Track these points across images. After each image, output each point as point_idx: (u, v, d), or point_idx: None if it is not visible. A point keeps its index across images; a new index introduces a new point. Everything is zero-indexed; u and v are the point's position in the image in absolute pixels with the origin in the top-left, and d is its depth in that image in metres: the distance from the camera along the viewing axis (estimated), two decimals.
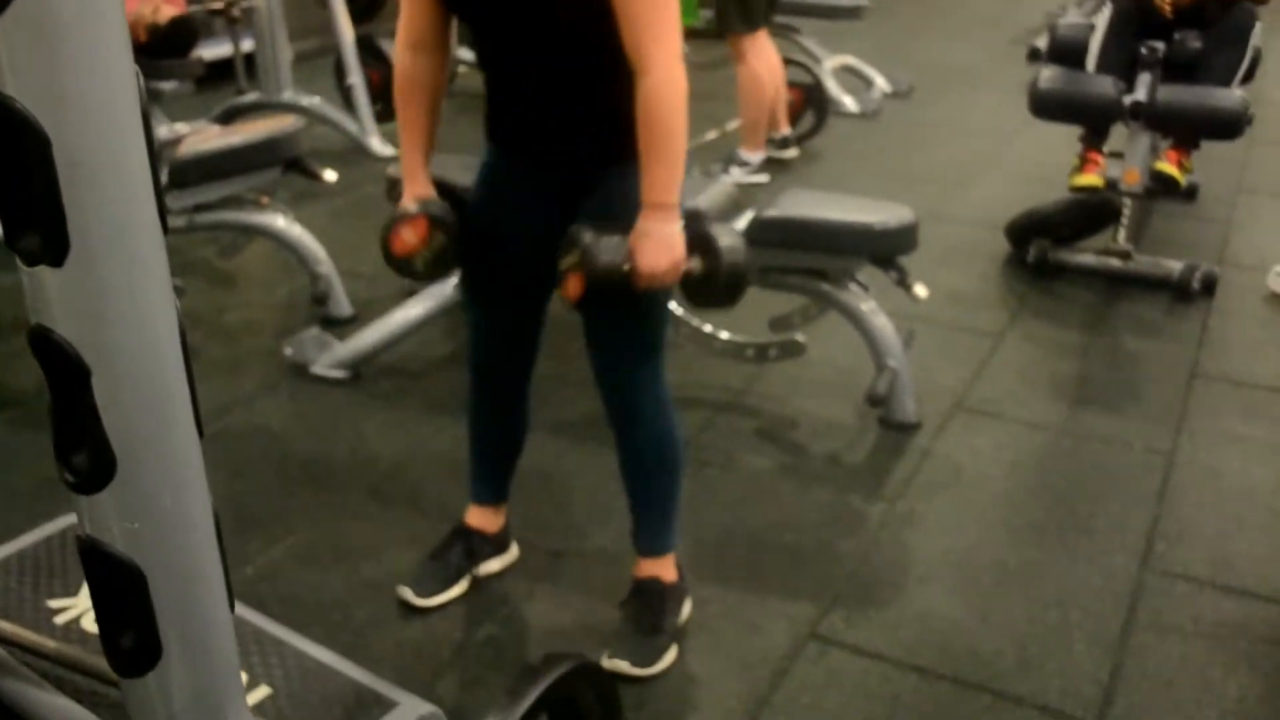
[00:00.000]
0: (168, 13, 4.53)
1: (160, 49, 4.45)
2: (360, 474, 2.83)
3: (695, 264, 2.00)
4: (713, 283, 2.03)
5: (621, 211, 1.96)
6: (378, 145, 5.46)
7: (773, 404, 3.22)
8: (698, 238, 1.99)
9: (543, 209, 2.10)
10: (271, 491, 2.75)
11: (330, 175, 3.66)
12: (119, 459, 0.88)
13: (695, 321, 3.31)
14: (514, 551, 2.48)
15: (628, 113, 1.91)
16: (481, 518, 2.42)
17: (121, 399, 0.87)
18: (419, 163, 2.16)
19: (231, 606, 0.99)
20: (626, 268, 1.92)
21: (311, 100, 5.58)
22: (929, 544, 2.60)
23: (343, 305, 3.67)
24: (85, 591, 2.28)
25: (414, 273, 2.16)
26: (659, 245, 1.92)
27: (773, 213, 2.89)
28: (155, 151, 0.85)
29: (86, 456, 0.88)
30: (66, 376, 0.85)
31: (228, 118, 5.23)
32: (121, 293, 0.85)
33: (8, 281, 3.91)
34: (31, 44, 0.77)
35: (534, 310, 2.24)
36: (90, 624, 2.19)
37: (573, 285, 1.96)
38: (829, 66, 6.42)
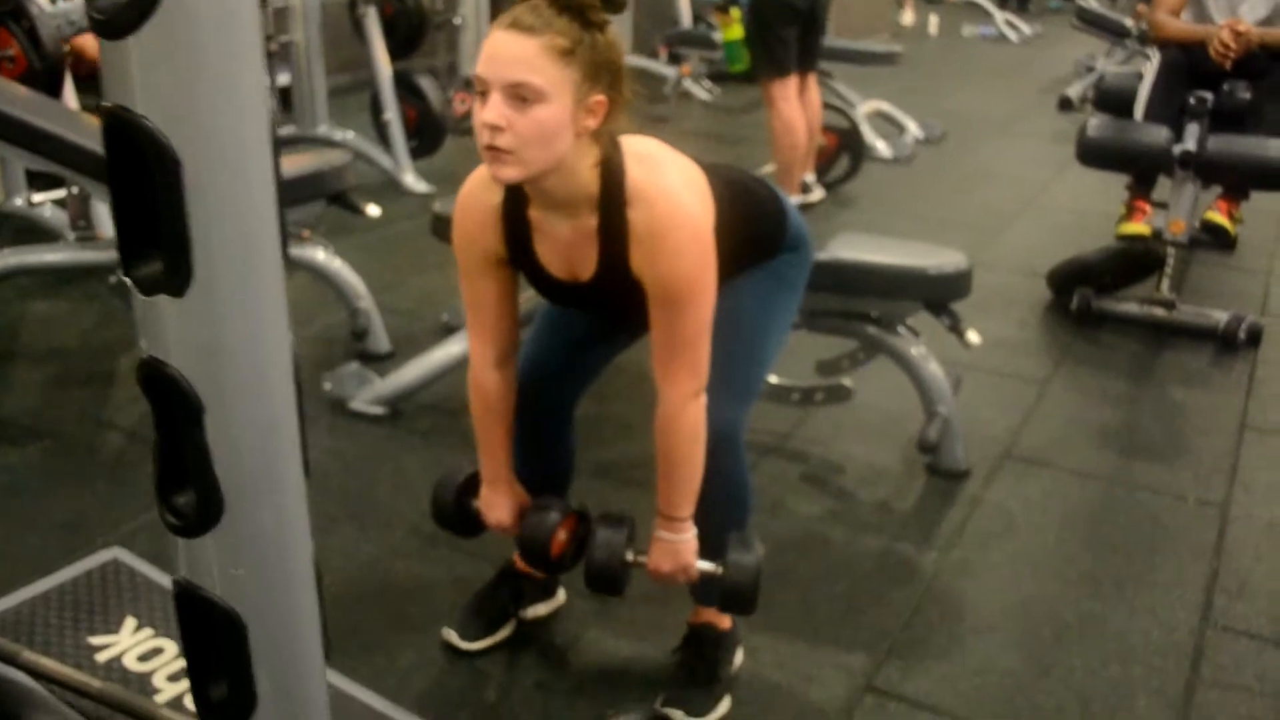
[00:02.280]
0: None
1: None
2: (402, 512, 2.78)
3: (716, 569, 2.01)
4: (717, 591, 2.04)
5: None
6: (412, 181, 5.45)
7: (818, 448, 3.17)
8: (718, 549, 2.01)
9: None
10: (312, 529, 2.69)
11: (374, 210, 3.64)
12: (227, 500, 0.83)
13: None
14: (561, 595, 2.42)
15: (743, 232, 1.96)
16: None
17: (234, 438, 0.81)
18: (507, 478, 2.12)
19: (328, 657, 0.94)
20: (631, 558, 2.02)
21: (346, 135, 5.59)
22: (984, 594, 2.54)
23: (381, 341, 3.63)
24: (127, 628, 2.24)
25: (562, 568, 2.12)
26: (666, 551, 1.99)
27: (825, 256, 2.84)
28: (281, 181, 0.81)
29: (193, 497, 0.82)
30: (178, 412, 0.79)
31: None
32: (242, 327, 0.79)
33: (43, 310, 3.89)
34: (166, 60, 0.71)
35: (610, 347, 2.23)
36: (133, 662, 2.15)
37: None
38: (863, 111, 6.41)
